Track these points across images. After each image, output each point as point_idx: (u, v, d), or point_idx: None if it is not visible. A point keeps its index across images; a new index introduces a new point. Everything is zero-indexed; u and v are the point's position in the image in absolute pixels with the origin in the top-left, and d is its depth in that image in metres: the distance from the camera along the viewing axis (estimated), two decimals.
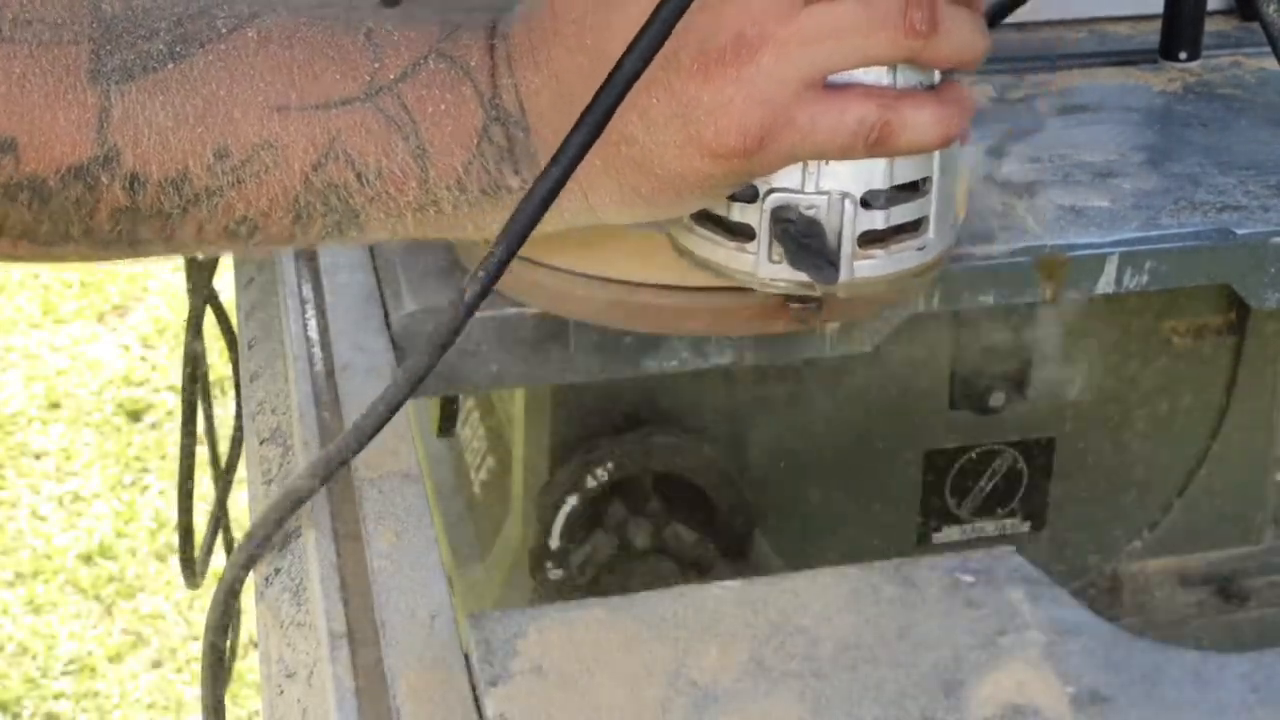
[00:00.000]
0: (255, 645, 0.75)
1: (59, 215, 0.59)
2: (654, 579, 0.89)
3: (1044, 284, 0.82)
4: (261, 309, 0.94)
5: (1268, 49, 0.98)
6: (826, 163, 0.62)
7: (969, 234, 0.81)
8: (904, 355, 0.91)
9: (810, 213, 0.63)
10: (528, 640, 0.57)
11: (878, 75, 0.61)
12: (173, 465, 1.37)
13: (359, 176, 0.61)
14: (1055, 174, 0.89)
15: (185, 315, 1.29)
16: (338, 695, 0.57)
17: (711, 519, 0.91)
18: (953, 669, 0.56)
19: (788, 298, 0.68)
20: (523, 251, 0.72)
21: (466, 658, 0.57)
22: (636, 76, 0.56)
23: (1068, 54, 1.07)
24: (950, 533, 0.98)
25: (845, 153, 0.61)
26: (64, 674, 2.36)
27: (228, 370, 1.33)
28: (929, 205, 0.65)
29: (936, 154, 0.64)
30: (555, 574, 0.90)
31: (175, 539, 1.39)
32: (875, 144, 0.61)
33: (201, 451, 1.35)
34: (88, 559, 2.56)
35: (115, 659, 2.38)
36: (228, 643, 0.72)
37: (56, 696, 2.32)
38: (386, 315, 0.78)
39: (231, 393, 1.22)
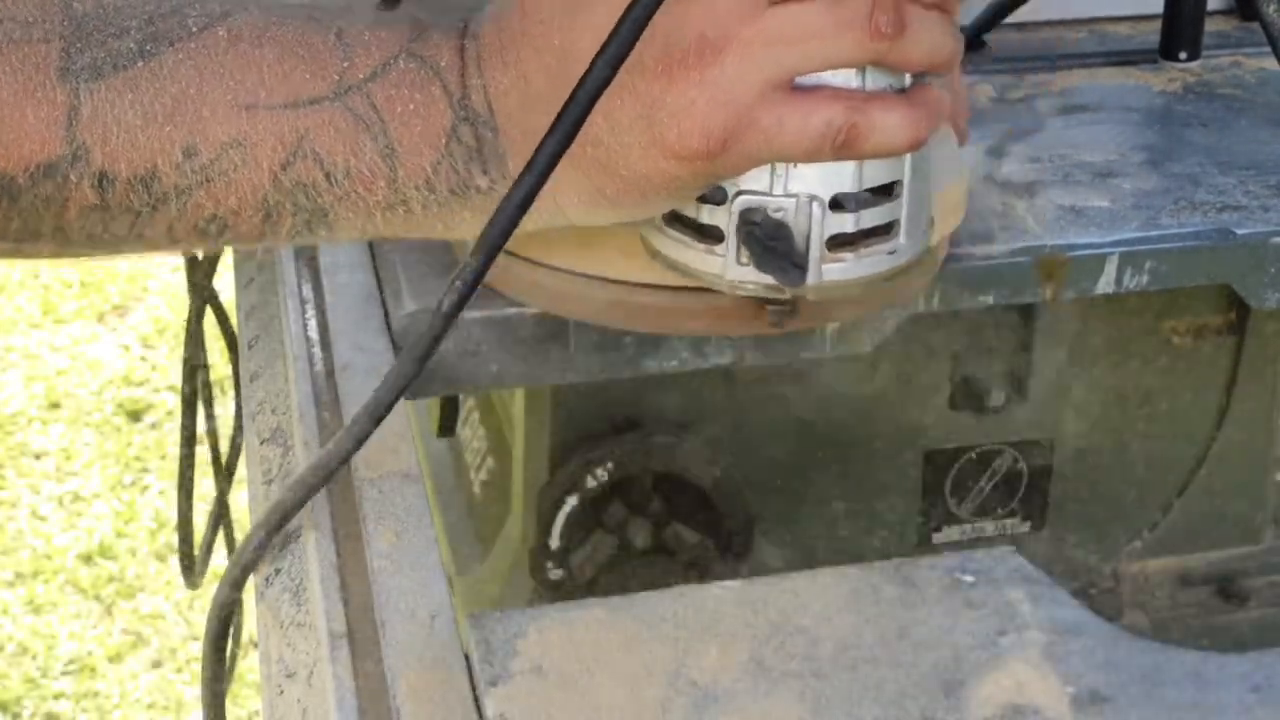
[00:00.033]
0: (255, 645, 0.74)
1: (29, 213, 0.59)
2: (654, 579, 0.89)
3: (1044, 284, 0.82)
4: (261, 309, 0.94)
5: (1268, 49, 0.98)
6: (795, 165, 0.61)
7: (969, 234, 0.81)
8: (904, 355, 0.91)
9: (778, 215, 0.62)
10: (528, 640, 0.57)
11: (846, 77, 0.60)
12: (173, 465, 1.37)
13: (327, 176, 0.61)
14: (1055, 174, 0.89)
15: (185, 315, 1.29)
16: (338, 695, 0.57)
17: (711, 519, 0.91)
18: (953, 669, 0.56)
19: (761, 300, 0.67)
20: (522, 252, 0.73)
21: (466, 658, 0.57)
22: (607, 82, 0.56)
23: (1068, 54, 1.07)
24: (950, 533, 0.98)
25: (811, 155, 0.60)
26: (64, 674, 2.36)
27: (228, 370, 1.33)
28: (900, 209, 0.65)
29: (908, 157, 0.64)
30: (555, 574, 0.90)
31: (175, 539, 1.39)
32: (842, 147, 0.60)
33: (201, 451, 1.35)
34: (88, 559, 2.56)
35: (115, 659, 2.38)
36: (229, 644, 0.72)
37: (56, 696, 2.32)
38: (386, 315, 0.78)
39: (231, 393, 1.22)
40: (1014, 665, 0.56)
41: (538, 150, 0.57)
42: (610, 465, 0.89)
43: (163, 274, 3.28)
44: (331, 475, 0.63)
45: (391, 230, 0.64)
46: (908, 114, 0.61)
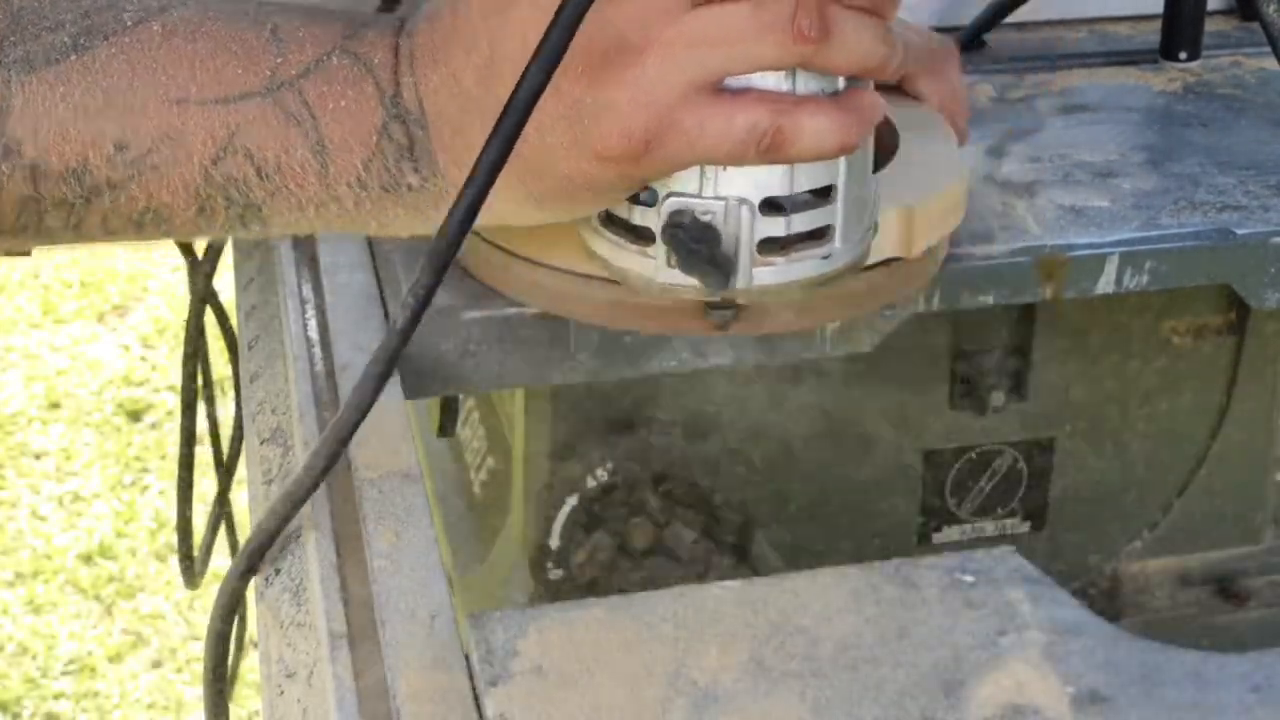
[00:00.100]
0: (255, 645, 0.74)
1: None
2: (654, 579, 0.89)
3: (1044, 284, 0.82)
4: (261, 309, 0.94)
5: (1268, 49, 0.98)
6: (724, 168, 0.61)
7: (969, 234, 0.81)
8: (904, 355, 0.91)
9: (706, 218, 0.62)
10: (528, 640, 0.57)
11: (777, 80, 0.60)
12: (173, 465, 1.37)
13: (258, 171, 0.61)
14: (1055, 174, 0.89)
15: (185, 315, 1.29)
16: (338, 695, 0.57)
17: (711, 519, 0.91)
18: (953, 669, 0.56)
19: (705, 303, 0.67)
20: (522, 251, 0.73)
21: (466, 658, 0.57)
22: (542, 88, 0.56)
23: (1068, 54, 1.07)
24: (950, 533, 0.98)
25: (735, 159, 0.60)
26: (64, 674, 2.36)
27: (228, 370, 1.33)
28: (835, 214, 0.64)
29: (841, 161, 0.63)
30: (555, 574, 0.90)
31: (175, 539, 1.39)
32: (767, 150, 0.59)
33: (201, 451, 1.35)
34: (88, 559, 2.56)
35: (115, 659, 2.38)
36: (230, 646, 0.72)
37: (56, 696, 2.32)
38: (386, 315, 0.78)
39: (231, 393, 1.22)
40: (1014, 665, 0.56)
41: (477, 162, 0.56)
42: (610, 465, 0.89)
43: (163, 274, 3.28)
44: (305, 499, 0.63)
45: (326, 225, 0.64)
46: (837, 118, 0.60)
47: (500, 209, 0.63)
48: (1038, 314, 0.93)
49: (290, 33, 0.62)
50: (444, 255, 0.58)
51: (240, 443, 1.30)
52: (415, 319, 0.58)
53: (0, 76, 0.59)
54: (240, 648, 1.32)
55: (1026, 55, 1.06)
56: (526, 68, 0.55)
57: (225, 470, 1.35)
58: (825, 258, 0.65)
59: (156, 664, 2.38)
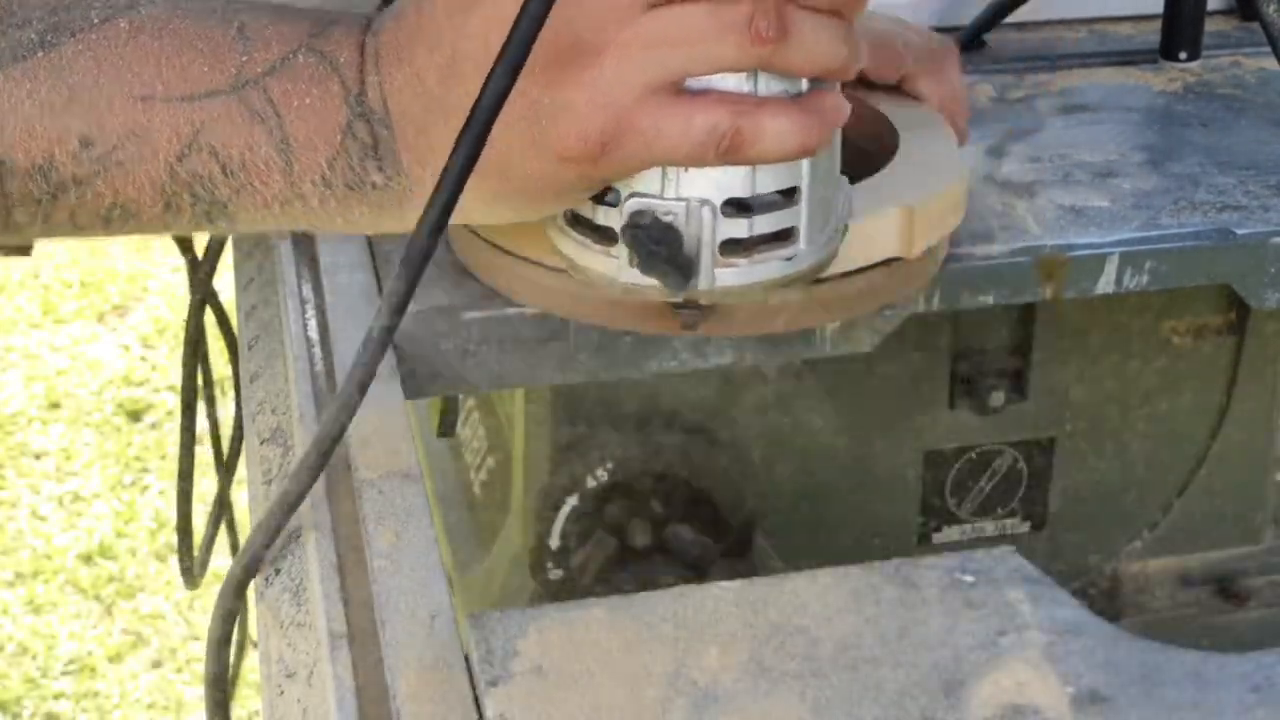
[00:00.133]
0: (255, 645, 0.74)
1: None
2: (654, 579, 0.89)
3: (1044, 284, 0.82)
4: (261, 309, 0.94)
5: (1268, 49, 0.98)
6: (686, 169, 0.61)
7: (969, 234, 0.81)
8: (904, 355, 0.91)
9: (668, 219, 0.61)
10: (528, 640, 0.57)
11: (738, 82, 0.59)
12: (173, 465, 1.37)
13: (223, 168, 0.61)
14: (1055, 174, 0.89)
15: (185, 315, 1.29)
16: (338, 695, 0.57)
17: (711, 519, 0.91)
18: (953, 669, 0.56)
19: (672, 304, 0.67)
20: (523, 252, 0.73)
21: (466, 658, 0.57)
22: (506, 92, 0.56)
23: (1068, 54, 1.07)
24: (950, 533, 0.98)
25: (695, 160, 0.60)
26: (64, 674, 2.36)
27: (228, 370, 1.33)
28: (799, 215, 0.63)
29: (806, 163, 0.62)
30: (555, 574, 0.90)
31: (175, 539, 1.39)
32: (726, 152, 0.59)
33: (201, 451, 1.35)
34: (88, 559, 2.56)
35: (115, 659, 2.38)
36: (232, 648, 0.72)
37: (56, 696, 2.32)
38: None
39: (231, 393, 1.22)
40: (1014, 665, 0.56)
41: (445, 168, 0.56)
42: (610, 465, 0.89)
43: (163, 274, 3.28)
44: (299, 503, 0.63)
45: (291, 223, 0.64)
46: (798, 120, 0.60)
47: (467, 208, 0.63)
48: (1038, 314, 0.93)
49: (257, 30, 0.62)
50: (418, 263, 0.58)
51: (240, 443, 1.30)
52: (392, 326, 0.59)
53: None
54: (241, 648, 1.32)
55: (1026, 55, 1.06)
56: (491, 71, 0.55)
57: (225, 470, 1.35)
58: (789, 259, 0.64)
59: (156, 664, 2.38)
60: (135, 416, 2.89)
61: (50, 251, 3.28)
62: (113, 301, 3.24)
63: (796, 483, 0.94)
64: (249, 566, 0.65)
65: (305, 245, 0.85)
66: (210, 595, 0.69)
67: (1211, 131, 0.95)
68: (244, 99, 0.61)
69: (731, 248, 0.63)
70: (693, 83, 0.59)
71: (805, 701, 0.54)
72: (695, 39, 0.58)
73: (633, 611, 0.58)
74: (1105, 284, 0.82)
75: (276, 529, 0.64)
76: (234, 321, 1.15)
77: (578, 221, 0.65)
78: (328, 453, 0.61)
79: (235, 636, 0.73)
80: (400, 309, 0.58)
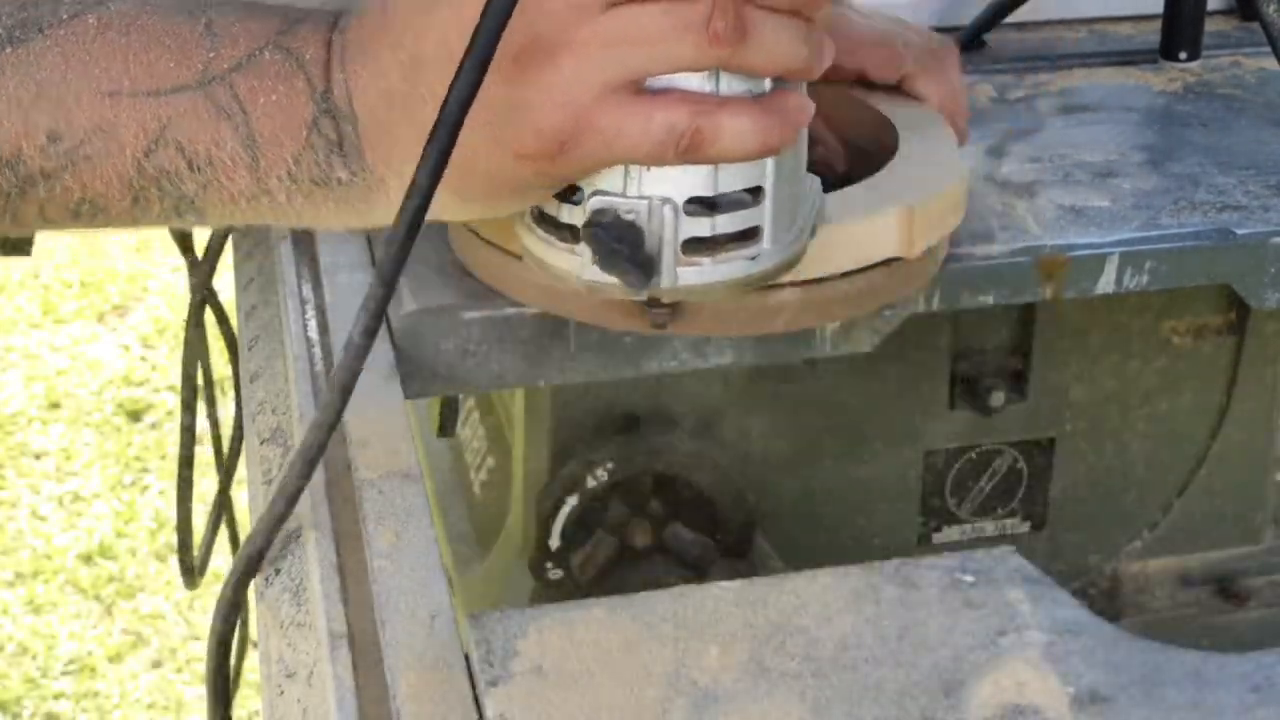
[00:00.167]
0: (255, 645, 0.74)
1: None
2: (654, 579, 0.89)
3: (1044, 284, 0.82)
4: (261, 309, 0.94)
5: (1268, 49, 0.98)
6: (648, 168, 0.61)
7: (969, 234, 0.81)
8: (904, 355, 0.91)
9: (630, 217, 0.61)
10: (528, 640, 0.57)
11: (701, 81, 0.59)
12: (173, 465, 1.37)
13: (189, 163, 0.62)
14: (1055, 174, 0.89)
15: (185, 315, 1.29)
16: (338, 695, 0.57)
17: (711, 519, 0.91)
18: (953, 669, 0.56)
19: (640, 302, 0.67)
20: (522, 252, 0.73)
21: (466, 658, 0.57)
22: (471, 99, 0.56)
23: (1068, 54, 1.07)
24: (950, 533, 0.98)
25: (654, 159, 0.60)
26: (64, 674, 2.36)
27: (228, 370, 1.33)
28: (762, 215, 0.63)
29: (770, 162, 0.62)
30: (555, 574, 0.90)
31: (175, 539, 1.39)
32: (686, 151, 0.59)
33: (201, 452, 1.35)
34: (88, 559, 2.56)
35: (115, 659, 2.38)
36: (234, 647, 0.72)
37: (56, 696, 2.32)
38: (386, 315, 0.78)
39: (231, 393, 1.22)
40: (1014, 665, 0.56)
41: (418, 170, 0.57)
42: (610, 465, 0.89)
43: (163, 274, 3.28)
44: (288, 514, 0.63)
45: (259, 217, 0.65)
46: (759, 120, 0.60)
47: (437, 208, 0.63)
48: (1038, 314, 0.93)
49: (225, 27, 0.62)
50: (393, 269, 0.58)
51: (240, 443, 1.30)
52: (371, 332, 0.59)
53: None
54: (241, 648, 1.32)
55: (1026, 55, 1.06)
56: (456, 75, 0.56)
57: (225, 470, 1.35)
58: (753, 259, 0.64)
59: (156, 664, 2.38)
60: (135, 416, 2.89)
61: (50, 251, 3.28)
62: (113, 301, 3.24)
63: (796, 483, 0.94)
64: (251, 562, 0.66)
65: (305, 245, 0.85)
66: (210, 595, 0.69)
67: (1211, 131, 0.95)
68: (210, 95, 0.61)
69: (694, 246, 0.63)
70: (654, 82, 0.59)
71: (805, 701, 0.54)
72: (653, 38, 0.58)
73: (633, 611, 0.58)
74: (1105, 284, 0.82)
75: (270, 533, 0.64)
76: (234, 321, 1.15)
77: (543, 219, 0.65)
78: (314, 460, 0.61)
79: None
80: (379, 313, 0.59)
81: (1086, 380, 0.96)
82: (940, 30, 0.93)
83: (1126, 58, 1.06)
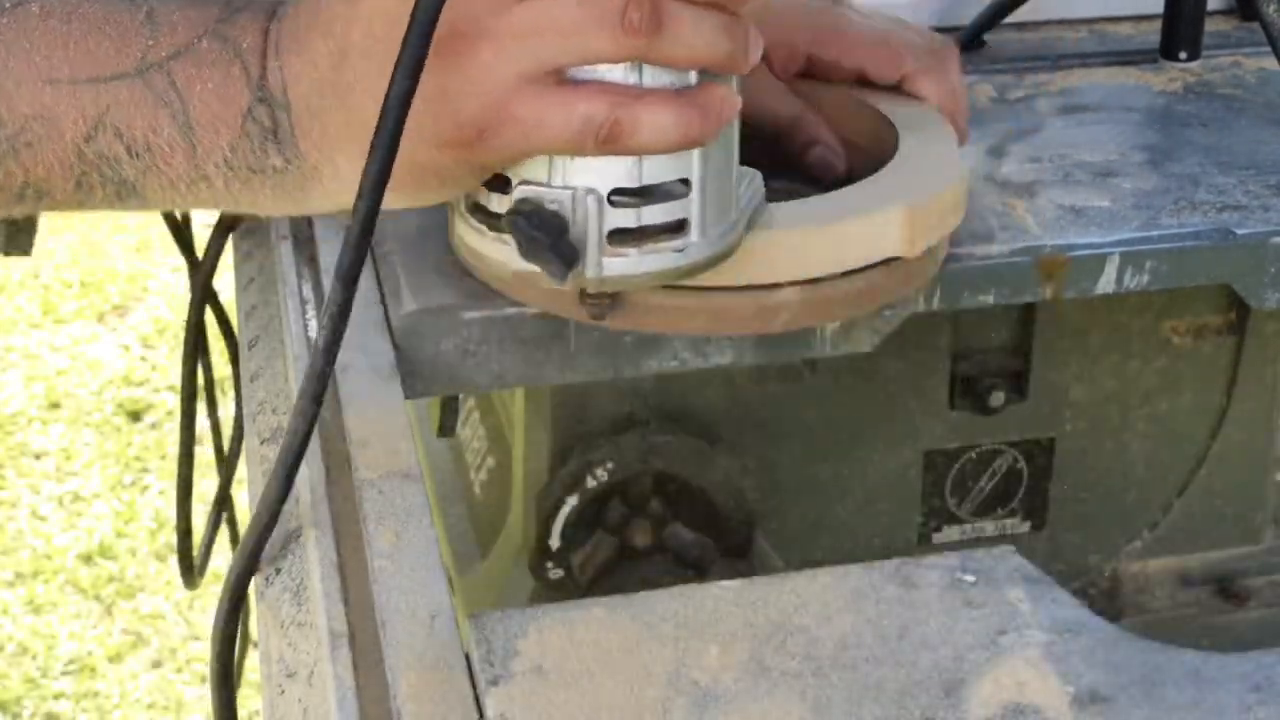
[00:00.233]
0: (255, 645, 0.74)
1: None
2: (654, 579, 0.89)
3: (1044, 284, 0.82)
4: (261, 309, 0.94)
5: (1268, 49, 0.98)
6: (572, 158, 0.61)
7: (969, 234, 0.81)
8: (904, 355, 0.91)
9: (554, 207, 0.62)
10: (528, 640, 0.57)
11: (624, 73, 0.60)
12: (173, 465, 1.37)
13: (128, 150, 0.63)
14: (1055, 174, 0.89)
15: (185, 315, 1.29)
16: (338, 695, 0.57)
17: (711, 519, 0.91)
18: (953, 669, 0.56)
19: (582, 293, 0.67)
20: None
21: (466, 658, 0.57)
22: (410, 95, 0.56)
23: (1068, 54, 1.07)
24: (950, 533, 0.98)
25: (574, 149, 0.60)
26: (64, 674, 2.36)
27: (228, 370, 1.33)
28: (689, 207, 0.63)
29: (697, 154, 0.62)
30: (555, 574, 0.90)
31: (175, 539, 1.39)
32: (604, 142, 0.60)
33: (201, 452, 1.35)
34: (88, 559, 2.56)
35: (115, 659, 2.38)
36: (236, 647, 0.72)
37: (56, 696, 2.32)
38: (386, 315, 0.78)
39: (231, 393, 1.22)
40: (1014, 665, 0.56)
41: (365, 170, 0.57)
42: (610, 465, 0.89)
43: (163, 274, 3.28)
44: (275, 518, 0.63)
45: (199, 203, 0.66)
46: (680, 112, 0.60)
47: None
48: (1038, 314, 0.93)
49: (165, 15, 0.63)
50: (351, 272, 0.58)
51: (240, 442, 1.30)
52: (336, 336, 0.59)
53: None
54: (242, 647, 1.32)
55: (1026, 55, 1.06)
56: (393, 75, 0.56)
57: (225, 470, 1.35)
58: (680, 251, 0.64)
59: (156, 664, 2.37)
60: (135, 416, 2.89)
61: (50, 251, 3.28)
62: (113, 301, 3.24)
63: (796, 483, 0.94)
64: (247, 564, 0.66)
65: (305, 245, 0.85)
66: (210, 595, 0.69)
67: (1211, 131, 0.95)
68: (148, 82, 0.62)
69: (620, 237, 0.63)
70: (579, 73, 0.60)
71: (805, 701, 0.54)
72: (568, 30, 0.59)
73: (633, 611, 0.58)
74: (1105, 284, 0.82)
75: (263, 535, 0.64)
76: (234, 321, 1.15)
77: (476, 209, 0.66)
78: (294, 466, 0.62)
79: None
80: (344, 314, 0.59)
81: (1086, 380, 0.96)
82: (940, 30, 0.92)
83: (1126, 58, 1.06)
